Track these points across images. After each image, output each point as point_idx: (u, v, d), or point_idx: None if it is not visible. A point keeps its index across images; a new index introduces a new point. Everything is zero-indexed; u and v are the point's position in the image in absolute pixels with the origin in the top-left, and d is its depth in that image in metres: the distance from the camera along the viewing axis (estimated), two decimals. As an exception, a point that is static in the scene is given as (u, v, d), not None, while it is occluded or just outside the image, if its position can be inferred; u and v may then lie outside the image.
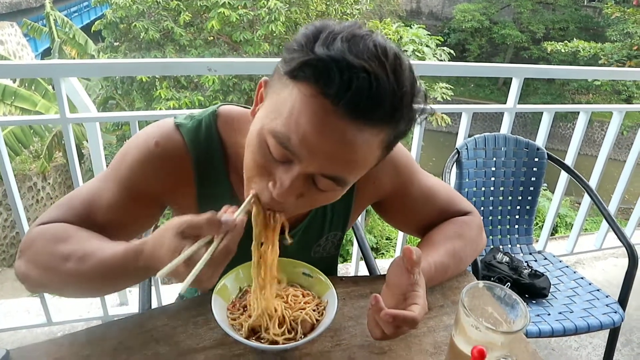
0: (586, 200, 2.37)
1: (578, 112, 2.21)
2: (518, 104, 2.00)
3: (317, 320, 0.76)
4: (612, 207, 2.47)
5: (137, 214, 0.85)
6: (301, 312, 0.75)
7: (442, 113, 9.21)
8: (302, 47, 0.60)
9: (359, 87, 0.57)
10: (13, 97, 7.23)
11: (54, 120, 1.41)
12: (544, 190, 8.08)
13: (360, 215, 1.94)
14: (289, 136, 0.61)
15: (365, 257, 1.23)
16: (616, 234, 1.69)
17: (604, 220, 2.63)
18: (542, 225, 2.56)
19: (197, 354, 0.76)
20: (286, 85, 0.62)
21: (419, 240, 0.99)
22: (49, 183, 8.65)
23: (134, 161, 0.81)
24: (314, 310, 0.77)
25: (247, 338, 0.72)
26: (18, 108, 7.45)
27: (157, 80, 7.34)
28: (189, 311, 0.84)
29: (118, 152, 0.85)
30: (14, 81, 7.64)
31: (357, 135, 0.60)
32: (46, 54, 9.64)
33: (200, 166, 0.83)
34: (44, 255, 0.75)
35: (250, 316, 0.75)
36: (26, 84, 7.51)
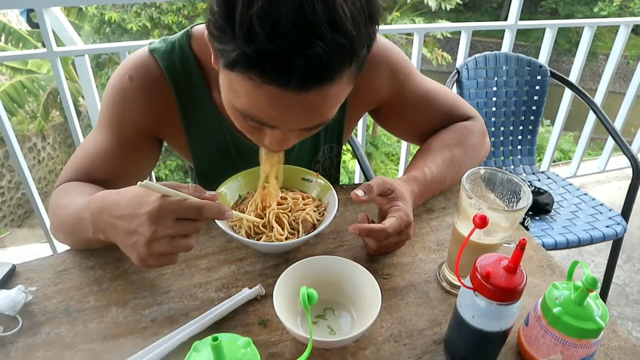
0: (591, 119, 2.33)
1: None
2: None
3: (318, 220, 0.75)
4: (617, 125, 2.44)
5: (134, 156, 0.84)
6: (301, 213, 0.75)
7: (441, 51, 8.98)
8: (223, 27, 0.51)
9: (302, 69, 0.50)
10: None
11: (41, 55, 1.36)
12: (547, 126, 7.98)
13: (360, 136, 1.92)
14: (259, 115, 0.58)
15: (365, 173, 1.21)
16: (620, 147, 1.67)
17: (607, 142, 2.61)
18: (542, 159, 2.54)
19: (200, 260, 0.76)
20: (227, 71, 0.56)
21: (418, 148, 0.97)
22: (49, 143, 8.61)
23: (113, 103, 0.80)
24: (314, 212, 0.76)
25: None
26: (9, 67, 7.30)
27: (148, 28, 7.12)
28: (190, 222, 0.83)
29: (102, 99, 0.83)
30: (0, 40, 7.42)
31: (319, 96, 0.55)
32: (32, 10, 9.37)
33: (180, 88, 0.80)
34: (51, 211, 0.79)
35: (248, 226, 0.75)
36: (13, 42, 7.30)
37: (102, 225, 0.64)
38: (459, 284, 0.69)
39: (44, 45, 1.35)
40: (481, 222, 0.51)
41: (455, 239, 0.67)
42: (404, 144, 2.15)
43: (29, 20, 9.82)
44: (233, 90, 0.58)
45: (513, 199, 0.65)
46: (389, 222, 0.69)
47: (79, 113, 8.57)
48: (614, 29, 2.23)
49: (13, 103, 7.03)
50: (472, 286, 0.53)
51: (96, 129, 0.84)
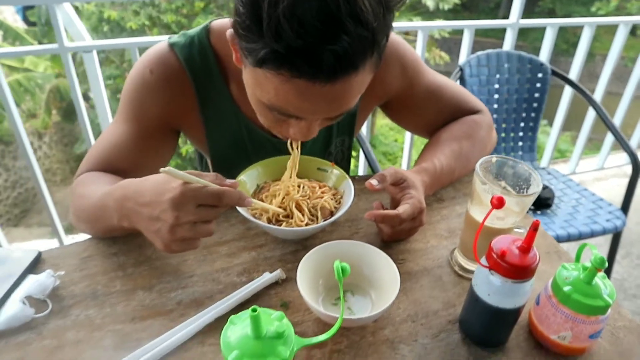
0: (590, 116, 2.37)
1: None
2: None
3: (335, 207, 0.78)
4: (616, 122, 2.48)
5: (154, 147, 0.86)
6: (320, 200, 0.77)
7: (439, 50, 9.03)
8: (250, 27, 0.55)
9: (330, 62, 0.53)
10: None
11: (53, 50, 1.39)
12: (544, 126, 8.04)
13: (365, 131, 1.95)
14: (286, 108, 0.62)
15: (371, 166, 1.24)
16: (620, 142, 1.71)
17: (605, 139, 2.65)
18: (540, 158, 2.58)
19: (221, 247, 0.78)
20: (255, 68, 0.59)
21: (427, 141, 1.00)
22: (45, 142, 8.59)
23: (134, 96, 0.82)
24: (332, 199, 0.79)
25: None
26: (5, 66, 7.30)
27: (146, 27, 7.13)
28: (209, 211, 0.86)
29: (122, 91, 0.85)
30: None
31: (345, 85, 0.58)
32: (29, 7, 9.38)
33: (199, 81, 0.83)
34: (73, 200, 0.81)
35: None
36: (10, 39, 7.30)
37: (126, 212, 0.67)
38: (471, 268, 0.72)
39: (40, 43, 1.39)
40: (498, 203, 0.54)
41: (468, 225, 0.70)
42: (406, 144, 2.18)
43: (25, 19, 9.80)
44: (260, 86, 0.61)
45: (523, 186, 0.68)
46: (403, 209, 0.72)
47: (75, 112, 8.55)
48: (611, 30, 2.27)
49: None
50: (488, 265, 0.56)
51: (116, 120, 0.86)
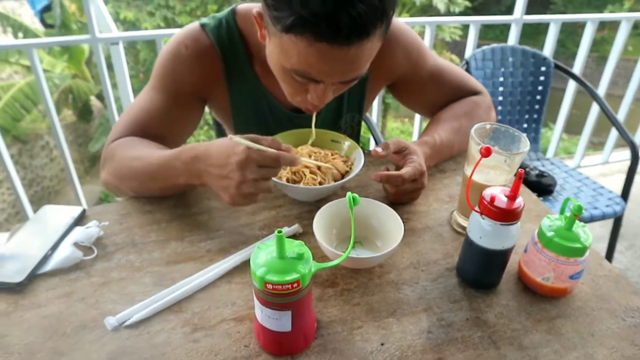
0: (594, 110, 2.43)
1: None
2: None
3: (346, 172, 0.87)
4: (620, 118, 2.54)
5: (184, 114, 0.96)
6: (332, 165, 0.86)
7: (450, 53, 9.09)
8: None
9: (347, 26, 0.63)
10: (17, 56, 7.29)
11: (85, 40, 1.50)
12: (551, 129, 8.09)
13: (375, 118, 2.04)
14: (308, 71, 0.72)
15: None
16: (620, 133, 1.78)
17: (610, 133, 2.70)
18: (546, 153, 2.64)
19: (244, 207, 0.87)
20: (281, 35, 0.68)
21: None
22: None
23: (169, 67, 0.92)
24: (343, 165, 0.88)
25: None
26: (24, 67, 7.51)
27: (161, 29, 7.29)
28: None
29: (155, 64, 0.95)
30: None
31: (359, 50, 0.68)
32: (45, 10, 9.64)
33: (227, 59, 0.93)
34: (118, 162, 0.88)
35: (289, 172, 0.86)
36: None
37: (197, 173, 0.76)
38: (468, 224, 0.81)
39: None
40: (486, 152, 0.62)
41: (465, 184, 0.78)
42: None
43: (42, 21, 10.05)
44: (285, 53, 0.71)
45: (514, 150, 0.76)
46: (405, 170, 0.82)
47: (90, 112, 8.73)
48: (616, 27, 2.34)
49: (28, 100, 7.24)
50: (480, 210, 0.65)
51: (148, 90, 0.95)
